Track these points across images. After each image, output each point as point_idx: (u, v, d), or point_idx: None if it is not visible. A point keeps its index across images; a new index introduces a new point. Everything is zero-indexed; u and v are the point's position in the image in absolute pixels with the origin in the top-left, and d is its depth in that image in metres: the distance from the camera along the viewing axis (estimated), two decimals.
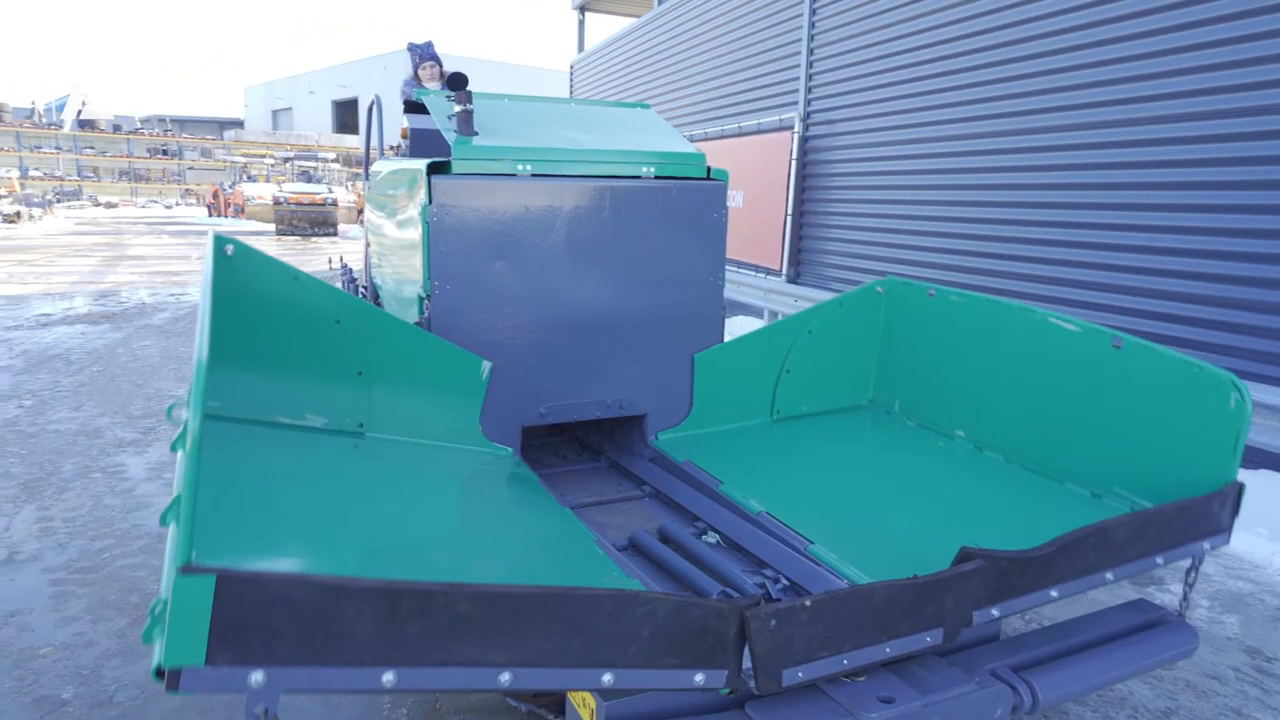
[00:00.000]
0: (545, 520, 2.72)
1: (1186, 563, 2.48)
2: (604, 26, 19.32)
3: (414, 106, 4.92)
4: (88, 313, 10.75)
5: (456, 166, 3.02)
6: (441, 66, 5.21)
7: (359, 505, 2.46)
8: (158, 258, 18.72)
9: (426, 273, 3.03)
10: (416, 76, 5.19)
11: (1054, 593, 2.24)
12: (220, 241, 2.42)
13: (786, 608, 1.81)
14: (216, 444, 2.36)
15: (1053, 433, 3.05)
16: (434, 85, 5.13)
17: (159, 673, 1.25)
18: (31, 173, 47.79)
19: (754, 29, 10.54)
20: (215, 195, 36.93)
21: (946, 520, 2.86)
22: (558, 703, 2.59)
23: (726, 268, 3.71)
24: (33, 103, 59.40)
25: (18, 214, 28.55)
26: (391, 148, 5.15)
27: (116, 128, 55.21)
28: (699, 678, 1.76)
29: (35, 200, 34.26)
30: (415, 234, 3.12)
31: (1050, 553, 2.15)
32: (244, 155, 41.54)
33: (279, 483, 2.41)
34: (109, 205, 43.78)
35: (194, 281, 14.24)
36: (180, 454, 1.49)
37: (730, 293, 9.69)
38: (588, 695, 1.94)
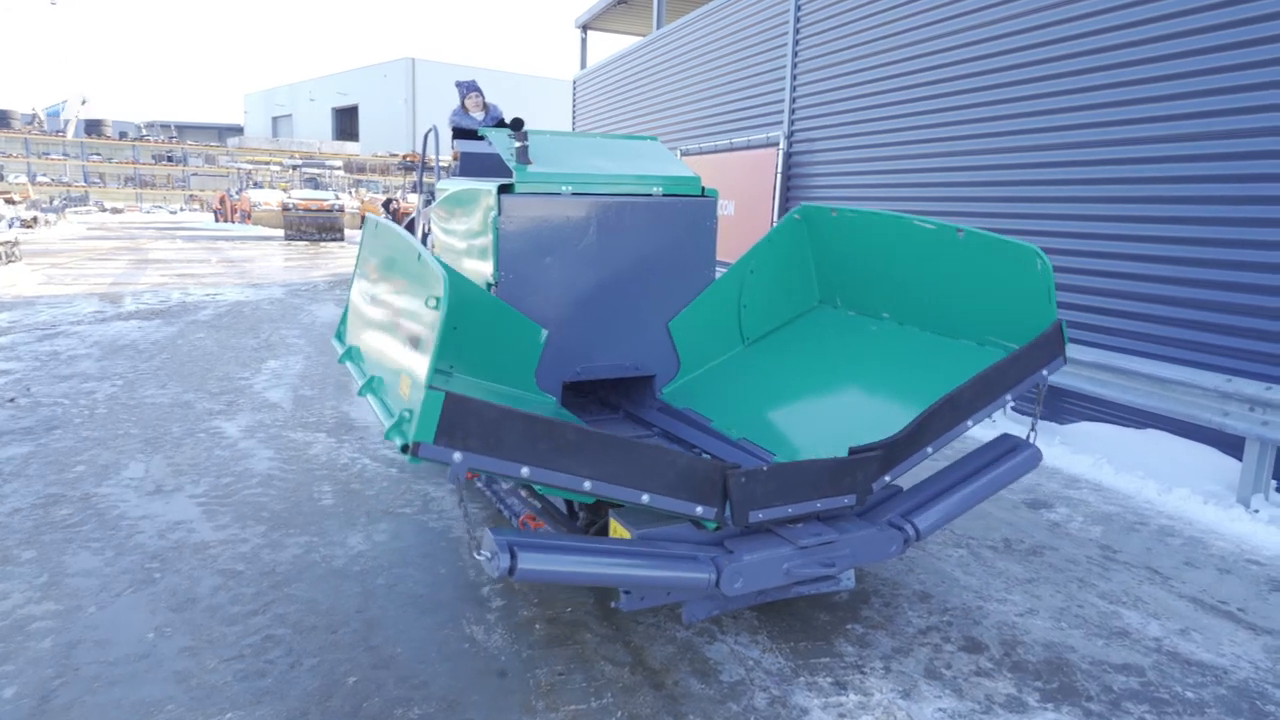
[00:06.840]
0: None
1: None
2: (606, 44, 20.43)
3: (462, 133, 6.01)
4: (137, 310, 11.78)
5: (518, 188, 4.11)
6: (484, 97, 6.30)
7: None
8: (179, 261, 19.73)
9: (495, 264, 4.11)
10: (464, 106, 6.25)
11: (930, 449, 3.30)
12: (371, 220, 3.54)
13: (752, 469, 2.90)
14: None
15: (942, 305, 3.94)
16: (478, 113, 6.21)
17: (404, 448, 2.32)
18: (39, 179, 48.71)
19: (743, 57, 11.68)
20: (222, 201, 37.88)
21: (884, 391, 3.82)
22: (601, 528, 3.56)
23: (720, 268, 4.75)
24: (34, 108, 60.31)
25: (34, 219, 29.49)
26: (443, 167, 6.22)
27: (122, 134, 56.13)
28: (699, 509, 2.84)
29: (47, 206, 35.20)
30: (486, 237, 4.19)
31: (914, 429, 3.17)
32: (248, 162, 42.48)
33: None
34: (115, 211, 44.75)
35: (225, 284, 15.25)
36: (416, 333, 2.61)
37: None
38: (623, 530, 3.02)
